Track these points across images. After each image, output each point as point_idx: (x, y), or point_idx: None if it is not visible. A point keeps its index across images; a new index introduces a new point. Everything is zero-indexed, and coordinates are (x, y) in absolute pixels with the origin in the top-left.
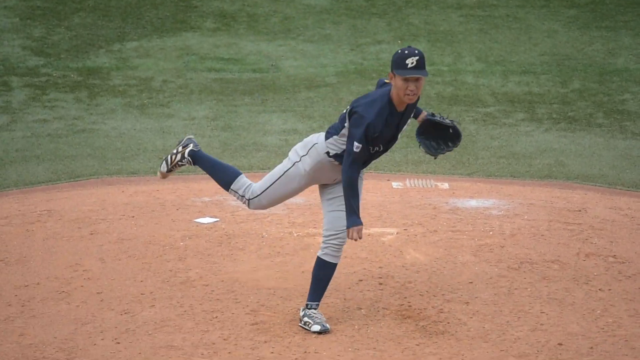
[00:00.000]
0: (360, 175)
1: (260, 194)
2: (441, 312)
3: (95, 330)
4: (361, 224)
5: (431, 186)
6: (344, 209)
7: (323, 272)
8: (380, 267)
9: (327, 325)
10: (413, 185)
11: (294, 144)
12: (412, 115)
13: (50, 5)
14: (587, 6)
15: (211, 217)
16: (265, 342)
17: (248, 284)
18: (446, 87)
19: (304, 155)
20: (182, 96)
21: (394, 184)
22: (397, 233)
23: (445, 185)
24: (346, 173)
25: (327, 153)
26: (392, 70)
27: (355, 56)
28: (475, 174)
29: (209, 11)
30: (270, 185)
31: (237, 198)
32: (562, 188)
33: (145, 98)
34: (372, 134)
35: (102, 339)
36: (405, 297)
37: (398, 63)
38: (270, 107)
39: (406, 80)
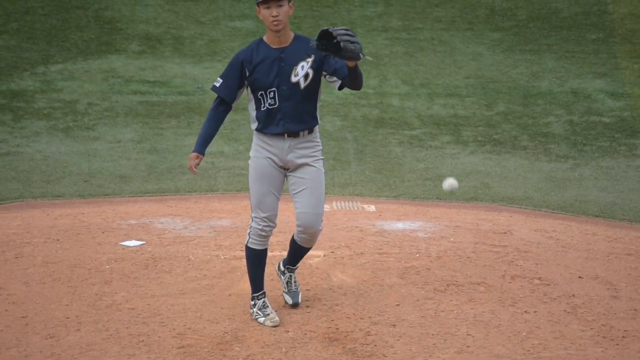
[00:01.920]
0: (320, 168)
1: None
2: (368, 335)
3: (19, 354)
4: (196, 152)
5: (358, 209)
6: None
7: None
8: (307, 290)
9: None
10: (340, 207)
11: (221, 167)
12: (322, 71)
13: None
14: (511, 30)
15: (137, 240)
16: None
17: (174, 307)
18: (372, 109)
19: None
20: (107, 119)
21: None
22: (324, 255)
23: (372, 208)
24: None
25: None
26: (257, 6)
27: None
28: (401, 196)
29: (134, 34)
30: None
31: (251, 231)
32: (487, 210)
33: (70, 121)
34: (245, 63)
35: None
36: (333, 320)
37: None
38: (196, 129)
39: (267, 7)
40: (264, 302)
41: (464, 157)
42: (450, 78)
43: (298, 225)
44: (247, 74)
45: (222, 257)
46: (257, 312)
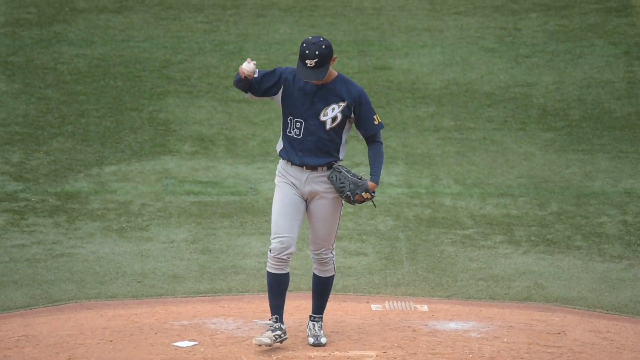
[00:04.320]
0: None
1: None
2: None
3: None
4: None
5: (410, 308)
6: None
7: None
8: None
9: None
10: (392, 307)
11: None
12: (351, 116)
13: (29, 130)
14: (563, 129)
15: (190, 340)
16: None
17: None
18: (424, 209)
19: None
20: (160, 219)
21: (373, 307)
22: (376, 356)
23: (425, 308)
24: None
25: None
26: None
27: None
28: (454, 296)
29: (188, 135)
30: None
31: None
32: (541, 310)
33: (124, 222)
34: (283, 82)
35: None
36: None
37: (300, 57)
38: (249, 229)
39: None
40: (271, 325)
41: (517, 257)
42: (503, 178)
43: (311, 250)
44: (282, 89)
45: (275, 358)
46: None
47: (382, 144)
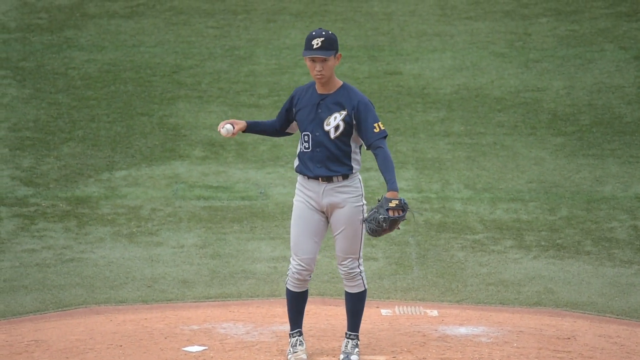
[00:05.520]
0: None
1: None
2: None
3: None
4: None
5: (420, 313)
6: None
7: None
8: None
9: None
10: (402, 312)
11: (283, 272)
12: (354, 128)
13: (40, 135)
14: (573, 134)
15: (200, 345)
16: None
17: None
18: (434, 214)
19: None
20: (171, 224)
21: (383, 311)
22: None
23: (434, 313)
24: None
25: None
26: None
27: None
28: (464, 301)
29: (198, 140)
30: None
31: (291, 276)
32: (551, 315)
33: (134, 227)
34: (295, 100)
35: None
36: None
37: (305, 44)
38: (259, 234)
39: (312, 60)
40: (297, 340)
41: (526, 262)
42: (513, 183)
43: (338, 264)
44: (294, 110)
45: None
46: (289, 350)
47: (385, 149)
